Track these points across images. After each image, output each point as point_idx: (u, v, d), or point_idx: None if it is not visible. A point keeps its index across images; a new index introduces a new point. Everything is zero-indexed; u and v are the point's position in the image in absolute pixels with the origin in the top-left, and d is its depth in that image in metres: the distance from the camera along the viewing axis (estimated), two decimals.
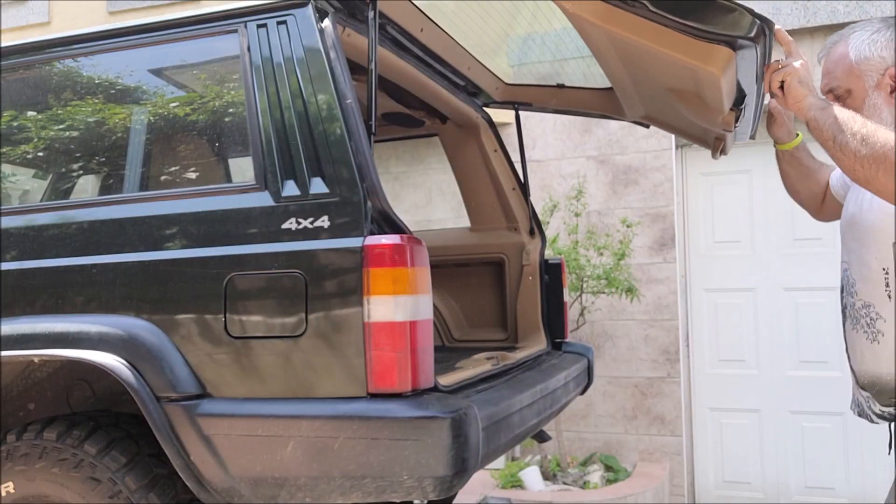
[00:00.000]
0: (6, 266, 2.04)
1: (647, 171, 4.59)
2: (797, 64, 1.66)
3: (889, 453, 1.77)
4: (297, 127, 1.84)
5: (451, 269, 3.18)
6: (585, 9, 1.74)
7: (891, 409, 1.72)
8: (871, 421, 1.80)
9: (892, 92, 1.68)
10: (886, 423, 1.77)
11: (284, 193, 1.82)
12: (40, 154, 2.23)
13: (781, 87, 1.68)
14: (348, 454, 1.69)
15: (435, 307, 3.28)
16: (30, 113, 2.23)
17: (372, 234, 1.74)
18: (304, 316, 1.75)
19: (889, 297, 1.66)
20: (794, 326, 4.50)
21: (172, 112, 2.08)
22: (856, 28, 1.74)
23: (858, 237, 1.72)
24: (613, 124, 4.67)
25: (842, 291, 1.84)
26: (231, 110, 2.00)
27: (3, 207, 2.15)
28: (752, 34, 1.60)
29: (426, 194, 5.19)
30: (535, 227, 3.12)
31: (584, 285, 4.35)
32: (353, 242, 1.73)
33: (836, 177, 2.02)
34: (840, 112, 1.56)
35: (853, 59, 1.70)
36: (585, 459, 4.53)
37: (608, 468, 4.41)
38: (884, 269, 1.65)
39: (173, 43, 2.09)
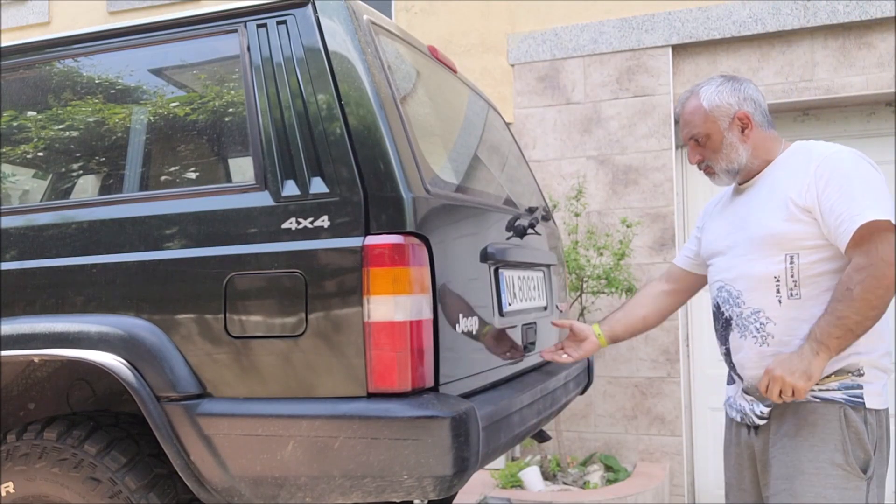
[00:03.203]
0: (6, 266, 2.04)
1: (647, 171, 4.59)
2: (778, 373, 1.77)
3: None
4: (297, 127, 1.84)
5: None
6: None
7: (769, 409, 1.89)
8: (753, 425, 1.95)
9: (742, 130, 1.95)
10: (764, 424, 1.92)
11: (284, 193, 1.82)
12: (40, 154, 2.23)
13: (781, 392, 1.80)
14: (348, 454, 1.69)
15: None
16: (30, 113, 2.23)
17: (371, 233, 1.74)
18: (304, 316, 1.75)
19: (779, 301, 1.85)
20: None
21: (172, 112, 2.08)
22: (702, 84, 2.01)
23: (743, 254, 1.92)
24: (613, 124, 4.67)
25: (719, 307, 2.00)
26: (231, 110, 1.99)
27: (3, 207, 2.15)
28: None
29: None
30: None
31: (584, 285, 4.35)
32: (353, 242, 1.73)
33: (688, 256, 2.29)
34: (823, 328, 1.75)
35: (706, 108, 1.96)
36: (585, 459, 4.53)
37: (608, 468, 4.41)
38: (775, 278, 1.85)
39: (173, 43, 2.09)
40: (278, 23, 1.94)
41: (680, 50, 4.60)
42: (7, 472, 2.03)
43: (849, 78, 4.31)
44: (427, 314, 1.76)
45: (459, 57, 4.90)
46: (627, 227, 4.45)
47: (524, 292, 2.41)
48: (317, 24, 1.91)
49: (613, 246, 4.43)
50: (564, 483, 4.22)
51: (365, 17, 2.01)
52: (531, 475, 4.15)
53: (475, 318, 1.99)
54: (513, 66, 4.91)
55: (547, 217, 2.96)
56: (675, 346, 4.50)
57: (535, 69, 4.85)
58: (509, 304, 2.24)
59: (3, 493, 2.03)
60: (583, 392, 2.86)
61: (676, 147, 4.71)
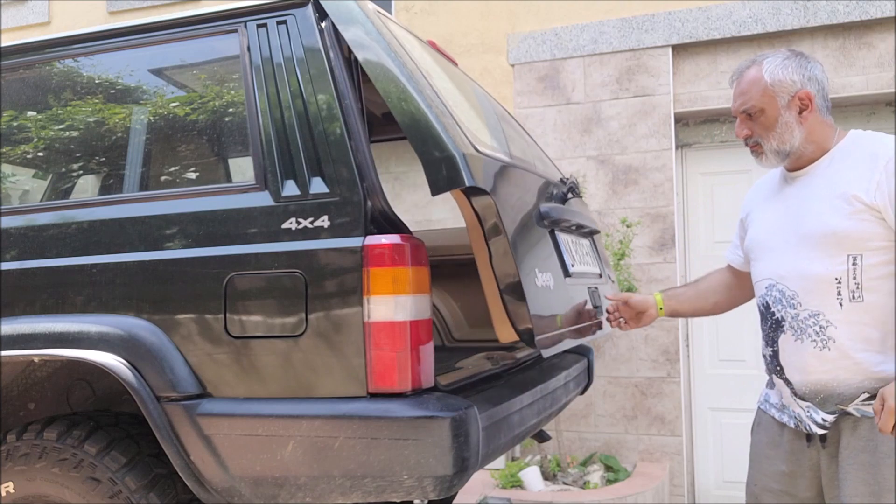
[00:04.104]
0: (6, 266, 2.04)
1: (647, 171, 4.59)
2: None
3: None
4: (297, 127, 1.84)
5: (451, 268, 3.18)
6: None
7: (833, 417, 1.78)
8: (810, 431, 1.82)
9: (800, 112, 1.83)
10: (824, 432, 1.80)
11: (284, 193, 1.82)
12: (40, 154, 2.23)
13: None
14: (348, 454, 1.69)
15: (435, 307, 3.27)
16: (30, 113, 2.23)
17: (371, 233, 1.74)
18: (304, 316, 1.75)
19: (840, 304, 1.75)
20: None
21: (172, 112, 2.08)
22: (767, 55, 1.87)
23: (797, 252, 1.81)
24: (613, 124, 4.67)
25: (769, 307, 1.89)
26: (231, 110, 2.00)
27: (3, 207, 2.15)
28: None
29: (426, 194, 5.19)
30: None
31: None
32: (353, 242, 1.73)
33: (739, 254, 2.17)
34: None
35: (768, 81, 1.83)
36: (585, 459, 4.53)
37: (608, 468, 4.41)
38: (836, 279, 1.75)
39: (173, 43, 2.09)
40: (278, 23, 1.94)
41: (680, 50, 4.60)
42: (7, 472, 2.03)
43: (849, 78, 4.31)
44: (427, 314, 1.76)
45: (459, 57, 4.90)
46: (627, 227, 4.45)
47: (580, 256, 2.39)
48: (317, 22, 1.91)
49: (613, 246, 4.43)
50: (564, 483, 4.22)
51: (370, 5, 2.01)
52: (531, 475, 4.15)
53: (549, 275, 1.96)
54: (513, 66, 4.91)
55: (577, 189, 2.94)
56: (675, 346, 4.50)
57: (535, 69, 4.85)
58: (572, 266, 2.22)
59: (3, 493, 2.03)
60: (583, 392, 2.86)
61: (676, 147, 4.71)
